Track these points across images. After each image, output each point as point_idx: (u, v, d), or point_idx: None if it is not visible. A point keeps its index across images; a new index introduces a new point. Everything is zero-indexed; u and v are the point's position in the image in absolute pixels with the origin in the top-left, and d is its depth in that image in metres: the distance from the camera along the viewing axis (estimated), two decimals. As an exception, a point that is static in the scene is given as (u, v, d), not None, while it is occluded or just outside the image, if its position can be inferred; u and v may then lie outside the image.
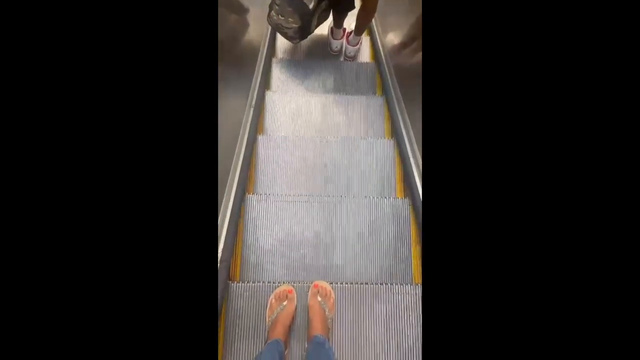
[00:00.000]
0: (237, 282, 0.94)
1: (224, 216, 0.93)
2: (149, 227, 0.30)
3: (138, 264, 0.29)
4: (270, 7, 1.36)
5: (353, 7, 1.42)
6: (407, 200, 1.11)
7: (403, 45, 1.34)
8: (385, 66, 1.52)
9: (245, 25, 1.24)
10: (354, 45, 1.61)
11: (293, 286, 0.91)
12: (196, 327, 0.31)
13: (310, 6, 1.29)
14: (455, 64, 0.32)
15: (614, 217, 0.27)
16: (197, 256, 0.31)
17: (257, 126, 1.35)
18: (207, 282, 0.32)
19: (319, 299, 0.88)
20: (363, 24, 1.48)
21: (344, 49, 1.68)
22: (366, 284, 0.95)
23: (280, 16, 1.34)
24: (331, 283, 0.94)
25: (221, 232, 0.89)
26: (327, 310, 0.86)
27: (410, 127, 1.18)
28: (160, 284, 0.30)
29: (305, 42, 1.69)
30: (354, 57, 1.68)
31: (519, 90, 0.30)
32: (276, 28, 1.44)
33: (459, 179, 0.32)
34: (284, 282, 0.93)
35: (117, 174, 0.29)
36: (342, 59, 1.71)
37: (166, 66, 0.31)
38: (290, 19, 1.33)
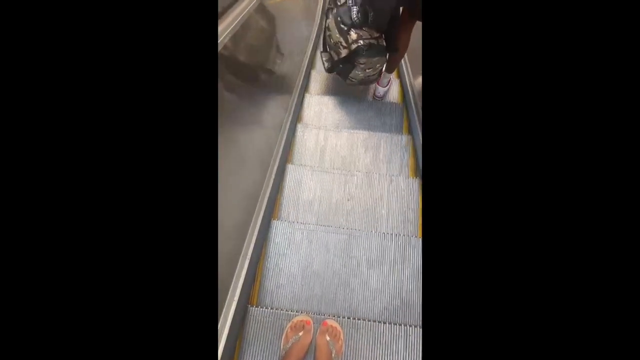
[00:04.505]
0: (255, 307, 0.95)
1: (250, 240, 0.96)
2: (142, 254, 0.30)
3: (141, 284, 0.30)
4: (347, 71, 1.47)
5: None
6: (429, 240, 1.11)
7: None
8: (414, 106, 1.58)
9: (282, 62, 1.36)
10: (384, 86, 1.70)
11: (310, 317, 0.91)
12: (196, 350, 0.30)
13: (383, 42, 1.43)
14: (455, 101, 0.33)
15: (612, 216, 0.27)
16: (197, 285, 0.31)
17: (287, 156, 1.42)
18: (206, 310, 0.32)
19: (328, 338, 0.85)
20: (393, 62, 1.57)
21: (374, 89, 1.77)
22: (384, 322, 0.93)
23: (367, 69, 1.46)
24: (348, 318, 0.93)
25: (246, 255, 0.92)
26: (334, 352, 0.83)
27: (435, 167, 1.20)
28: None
29: (336, 81, 1.80)
30: (382, 97, 1.76)
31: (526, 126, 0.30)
32: (364, 82, 1.57)
33: (458, 219, 0.32)
34: (301, 312, 0.93)
35: (118, 189, 0.30)
36: (370, 98, 1.79)
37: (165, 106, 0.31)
38: (377, 65, 1.46)
